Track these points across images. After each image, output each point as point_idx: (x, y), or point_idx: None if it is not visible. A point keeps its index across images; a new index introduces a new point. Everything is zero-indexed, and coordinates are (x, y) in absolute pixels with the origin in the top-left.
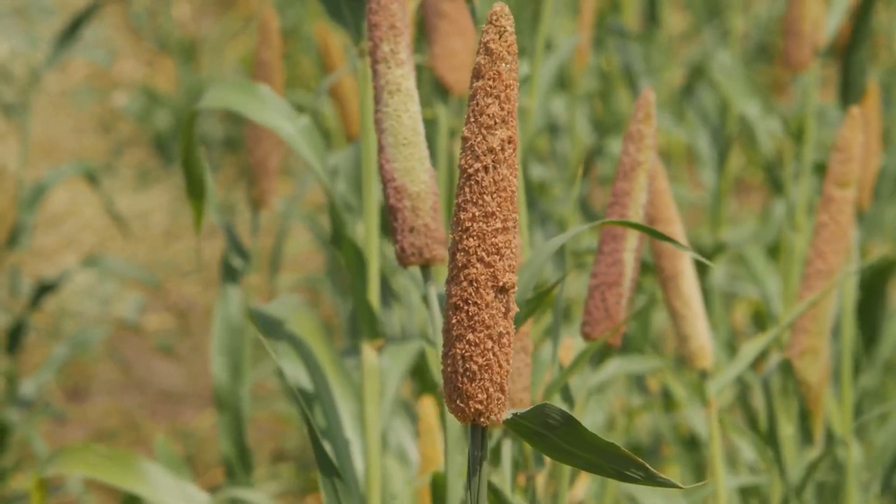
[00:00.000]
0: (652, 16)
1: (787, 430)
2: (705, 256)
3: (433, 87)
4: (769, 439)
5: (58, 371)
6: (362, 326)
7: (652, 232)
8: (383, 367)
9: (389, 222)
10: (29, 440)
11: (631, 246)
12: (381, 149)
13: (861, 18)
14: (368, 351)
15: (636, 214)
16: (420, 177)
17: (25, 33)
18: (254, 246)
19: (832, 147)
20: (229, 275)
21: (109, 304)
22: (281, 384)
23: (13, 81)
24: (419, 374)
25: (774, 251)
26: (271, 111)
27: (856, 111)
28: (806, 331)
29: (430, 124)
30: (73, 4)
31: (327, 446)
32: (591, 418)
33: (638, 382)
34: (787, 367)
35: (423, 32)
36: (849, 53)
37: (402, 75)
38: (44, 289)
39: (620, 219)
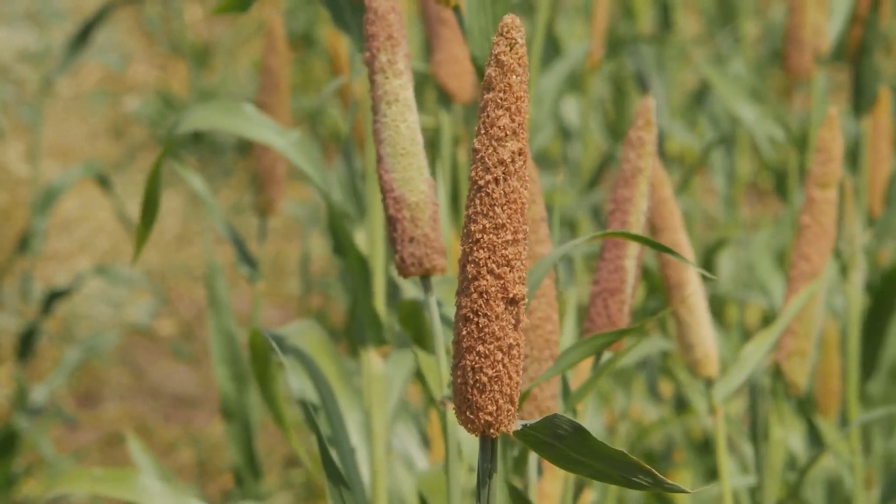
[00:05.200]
0: (665, 21)
1: (779, 433)
2: (712, 259)
3: (436, 95)
4: (755, 442)
5: (70, 376)
6: (368, 334)
7: (653, 244)
8: (386, 373)
9: (388, 233)
10: (39, 446)
11: (633, 253)
12: (379, 159)
13: (871, 24)
14: (374, 358)
15: (637, 221)
16: (419, 187)
17: (38, 38)
18: (260, 253)
19: (814, 149)
20: (217, 284)
21: (122, 309)
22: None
23: (26, 86)
24: None
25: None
26: (259, 127)
27: (834, 112)
28: (793, 333)
29: (435, 133)
30: (85, 9)
31: (333, 454)
32: (589, 424)
33: (650, 388)
34: (776, 370)
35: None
36: (860, 59)
37: (400, 85)
38: (55, 295)
39: (622, 226)
